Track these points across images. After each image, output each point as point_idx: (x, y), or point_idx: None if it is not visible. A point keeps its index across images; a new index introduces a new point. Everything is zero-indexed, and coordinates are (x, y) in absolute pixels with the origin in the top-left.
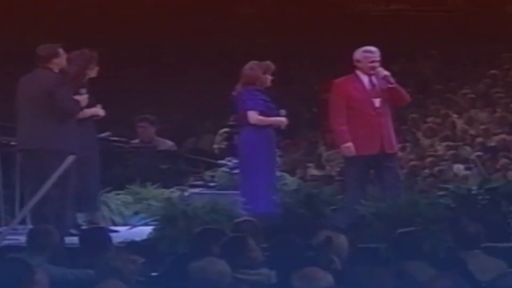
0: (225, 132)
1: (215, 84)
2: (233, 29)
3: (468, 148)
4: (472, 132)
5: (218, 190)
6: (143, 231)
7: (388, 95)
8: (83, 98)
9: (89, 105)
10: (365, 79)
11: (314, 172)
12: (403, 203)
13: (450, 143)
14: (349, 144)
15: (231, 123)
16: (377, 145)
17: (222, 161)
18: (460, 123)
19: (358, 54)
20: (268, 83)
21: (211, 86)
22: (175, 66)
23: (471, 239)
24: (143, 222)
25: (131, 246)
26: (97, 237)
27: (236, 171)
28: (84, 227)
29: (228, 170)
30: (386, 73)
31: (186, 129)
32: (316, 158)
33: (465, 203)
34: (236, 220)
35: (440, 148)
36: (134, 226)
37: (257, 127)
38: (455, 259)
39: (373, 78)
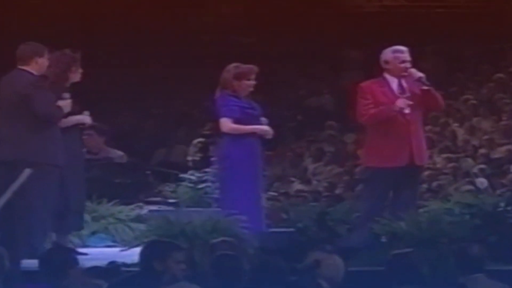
0: (200, 142)
1: (189, 88)
2: (211, 28)
3: (470, 160)
4: (474, 142)
5: (182, 207)
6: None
7: (420, 99)
8: (66, 103)
9: (74, 112)
10: (394, 82)
11: (299, 187)
12: (424, 221)
13: (450, 155)
14: (396, 102)
15: (207, 132)
16: (406, 156)
17: (185, 175)
18: (461, 133)
19: (387, 54)
20: (248, 89)
21: (185, 91)
22: (144, 68)
23: (473, 262)
24: (103, 244)
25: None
26: (60, 260)
27: (201, 186)
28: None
29: (191, 185)
30: (421, 74)
31: (156, 139)
32: (302, 171)
33: (492, 221)
34: (213, 241)
35: (439, 160)
36: (94, 247)
37: (236, 136)
38: (455, 283)
39: (403, 81)
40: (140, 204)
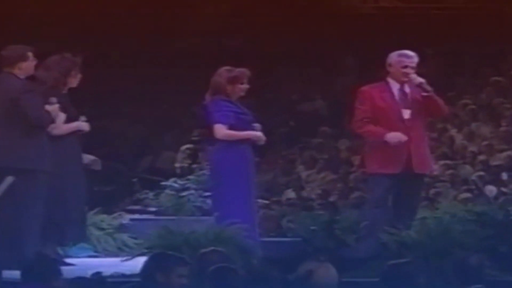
0: (188, 149)
1: (176, 93)
2: (198, 29)
3: (468, 167)
4: (473, 149)
5: (165, 215)
6: (136, 264)
7: (422, 106)
8: (53, 108)
9: (71, 118)
10: (395, 87)
11: (292, 195)
12: (433, 229)
13: (448, 162)
14: (391, 133)
15: (195, 138)
16: (402, 163)
17: (167, 182)
18: (459, 139)
19: (392, 58)
20: (241, 93)
21: (172, 95)
22: (129, 71)
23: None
24: (85, 254)
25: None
26: (43, 271)
27: (184, 193)
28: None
29: (174, 192)
30: (421, 80)
31: (143, 146)
32: (294, 179)
33: (504, 230)
34: (203, 250)
35: (437, 167)
36: (76, 257)
37: (229, 143)
38: None
39: (406, 87)
40: (122, 212)
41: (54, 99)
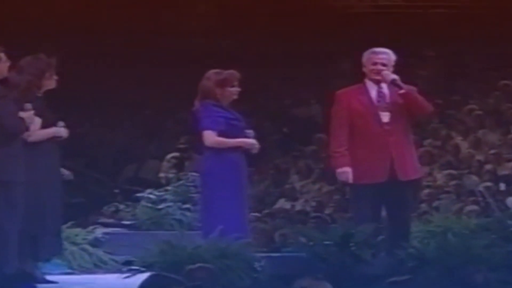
0: (174, 157)
1: (162, 96)
2: (184, 29)
3: (474, 177)
4: (479, 157)
5: (140, 229)
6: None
7: (403, 107)
8: (28, 115)
9: (48, 124)
10: (373, 89)
11: (285, 206)
12: (452, 245)
13: (453, 171)
14: (346, 169)
15: (182, 146)
16: (384, 171)
17: (143, 194)
18: (465, 147)
19: (363, 56)
20: (232, 96)
21: (157, 99)
22: (110, 73)
23: None
24: (59, 270)
25: None
26: None
27: (161, 206)
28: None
29: (150, 205)
30: (394, 76)
31: (125, 154)
32: (288, 189)
33: None
34: (190, 267)
35: (440, 177)
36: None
37: (219, 151)
38: None
39: (384, 88)
40: (98, 226)
41: (29, 105)
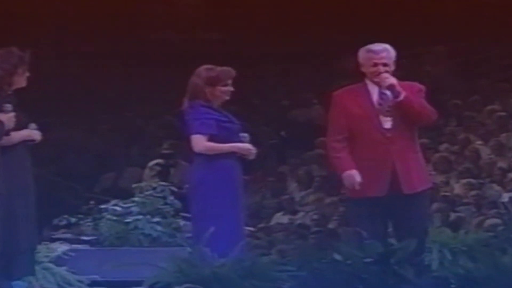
0: (158, 164)
1: (144, 97)
2: (170, 22)
3: (496, 186)
4: (502, 164)
5: (104, 246)
6: None
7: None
8: (8, 117)
9: (20, 125)
10: (374, 90)
11: (283, 219)
12: (506, 262)
13: (472, 180)
14: (351, 171)
15: (166, 151)
16: (385, 184)
17: (107, 206)
18: (486, 152)
19: (360, 55)
20: (224, 97)
21: (139, 100)
22: (87, 72)
23: None
24: None
25: None
26: None
27: (129, 219)
28: None
29: (115, 218)
30: (392, 81)
31: (103, 160)
32: (286, 200)
33: None
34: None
35: (458, 187)
36: None
37: (210, 158)
38: None
39: (388, 90)
40: (63, 242)
41: (9, 106)
